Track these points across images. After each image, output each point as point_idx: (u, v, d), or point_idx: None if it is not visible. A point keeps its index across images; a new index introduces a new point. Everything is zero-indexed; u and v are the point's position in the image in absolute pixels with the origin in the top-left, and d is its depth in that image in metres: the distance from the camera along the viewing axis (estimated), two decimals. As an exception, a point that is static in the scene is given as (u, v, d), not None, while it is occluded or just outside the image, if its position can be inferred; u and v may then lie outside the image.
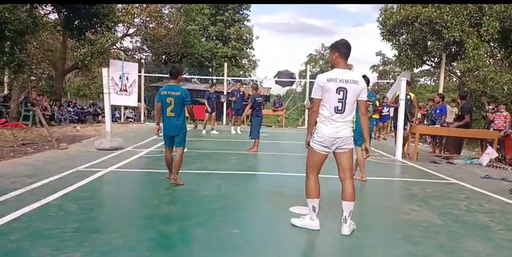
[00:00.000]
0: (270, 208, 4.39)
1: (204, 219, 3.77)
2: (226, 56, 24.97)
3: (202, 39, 25.03)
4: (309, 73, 19.15)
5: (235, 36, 25.98)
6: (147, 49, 22.14)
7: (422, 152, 9.90)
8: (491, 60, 14.12)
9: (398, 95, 8.52)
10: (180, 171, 5.17)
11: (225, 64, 17.96)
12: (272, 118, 20.49)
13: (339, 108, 3.42)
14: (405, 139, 8.85)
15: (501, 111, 9.59)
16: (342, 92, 3.40)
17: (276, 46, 79.07)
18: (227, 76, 17.60)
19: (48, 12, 15.72)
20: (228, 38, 25.90)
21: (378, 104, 11.85)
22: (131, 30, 19.71)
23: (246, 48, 27.87)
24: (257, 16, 71.59)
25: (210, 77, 20.15)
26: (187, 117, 5.29)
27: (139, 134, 11.52)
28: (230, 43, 25.70)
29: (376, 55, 31.15)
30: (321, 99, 3.45)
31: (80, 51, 15.64)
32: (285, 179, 5.93)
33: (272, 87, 21.53)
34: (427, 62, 16.77)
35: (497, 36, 12.91)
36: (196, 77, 23.62)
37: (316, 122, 3.53)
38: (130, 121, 17.92)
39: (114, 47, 18.65)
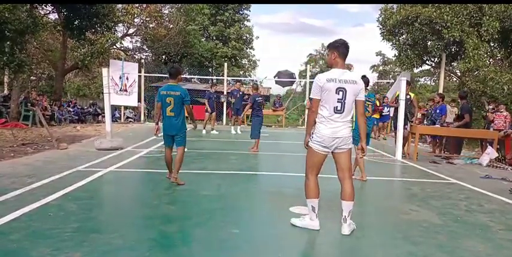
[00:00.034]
0: (270, 208, 4.39)
1: (204, 219, 3.77)
2: (226, 56, 24.97)
3: (202, 39, 25.04)
4: (309, 73, 19.15)
5: (235, 36, 25.98)
6: (147, 49, 22.15)
7: (422, 152, 9.90)
8: (491, 60, 14.11)
9: (398, 95, 8.52)
10: (180, 171, 5.18)
11: (225, 64, 17.96)
12: (272, 118, 20.50)
13: (338, 108, 3.43)
14: (405, 139, 8.84)
15: (501, 111, 9.59)
16: (341, 92, 3.41)
17: (276, 46, 79.11)
18: (227, 76, 17.60)
19: (48, 12, 15.73)
20: (228, 38, 25.90)
21: (378, 103, 11.87)
22: (131, 30, 19.72)
23: (246, 48, 27.87)
24: (257, 16, 71.62)
25: (210, 77, 20.16)
26: (186, 117, 5.30)
27: (139, 134, 11.52)
28: (230, 43, 25.71)
29: (376, 55, 31.17)
30: (320, 99, 3.46)
31: (80, 51, 15.65)
32: (285, 179, 5.93)
33: (272, 87, 21.56)
34: (427, 62, 16.78)
35: (497, 36, 12.91)
36: (196, 77, 23.62)
37: (315, 123, 3.53)
38: (130, 121, 17.91)
39: (114, 47, 18.66)
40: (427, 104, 13.30)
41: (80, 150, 8.02)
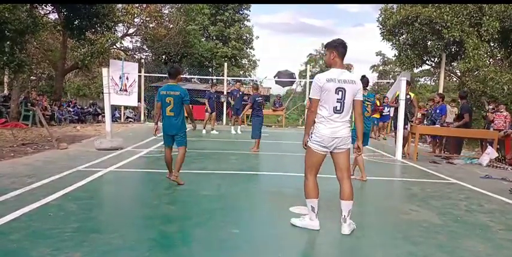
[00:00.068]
0: (270, 208, 4.39)
1: (204, 219, 3.77)
2: (226, 56, 24.97)
3: (202, 39, 25.04)
4: (309, 73, 19.14)
5: (235, 36, 25.98)
6: (147, 49, 22.15)
7: (422, 152, 9.90)
8: (491, 60, 14.11)
9: (398, 95, 8.52)
10: (180, 171, 5.17)
11: (225, 64, 17.97)
12: (272, 118, 20.50)
13: (338, 108, 3.43)
14: (405, 139, 8.85)
15: (501, 111, 9.58)
16: (340, 92, 3.41)
17: (276, 46, 79.02)
18: (227, 76, 17.61)
19: (48, 12, 15.73)
20: (228, 38, 25.90)
21: (378, 103, 11.88)
22: (131, 30, 19.72)
23: (246, 48, 27.87)
24: (257, 16, 71.53)
25: (210, 77, 20.16)
26: (186, 117, 5.30)
27: (139, 134, 11.52)
28: (230, 43, 25.71)
29: (376, 55, 31.15)
30: (319, 99, 3.45)
31: (80, 51, 15.66)
32: (285, 179, 5.93)
33: (272, 87, 21.57)
34: (427, 62, 16.77)
35: (497, 36, 12.91)
36: (196, 77, 23.63)
37: (314, 123, 3.53)
38: (130, 121, 17.91)
39: (114, 47, 18.67)
40: (427, 104, 13.29)
41: (80, 150, 8.02)
